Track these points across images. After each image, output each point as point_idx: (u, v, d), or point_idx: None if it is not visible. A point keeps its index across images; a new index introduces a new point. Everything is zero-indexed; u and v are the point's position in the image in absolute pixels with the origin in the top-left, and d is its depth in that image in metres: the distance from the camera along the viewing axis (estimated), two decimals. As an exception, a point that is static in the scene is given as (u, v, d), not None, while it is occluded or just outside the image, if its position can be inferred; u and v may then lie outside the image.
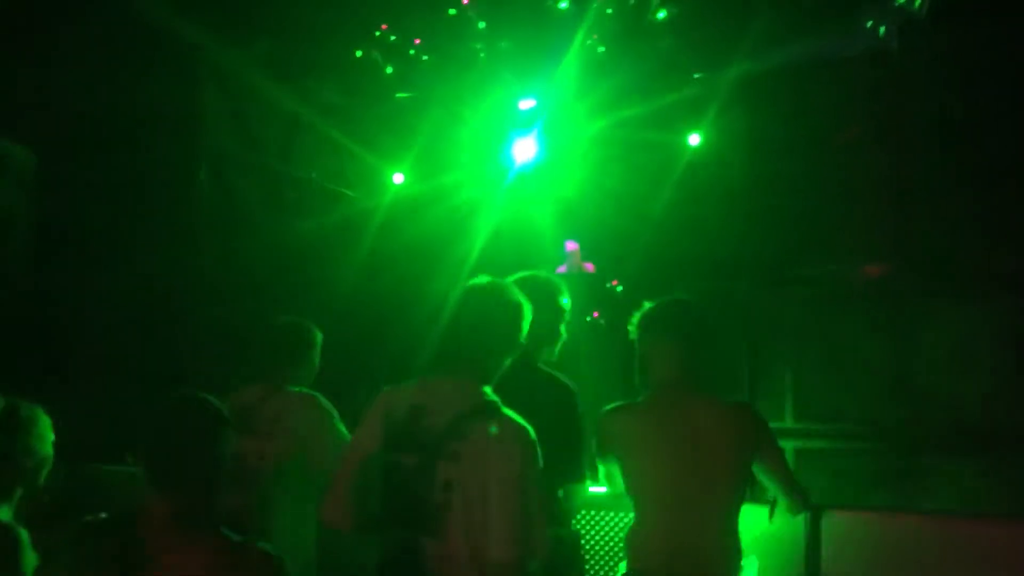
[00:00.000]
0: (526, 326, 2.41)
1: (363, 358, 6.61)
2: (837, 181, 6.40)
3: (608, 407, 2.77)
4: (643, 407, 2.73)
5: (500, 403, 2.24)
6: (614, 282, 7.12)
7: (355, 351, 6.53)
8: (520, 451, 2.15)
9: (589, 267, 7.43)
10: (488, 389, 2.28)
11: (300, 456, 3.16)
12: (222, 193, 6.33)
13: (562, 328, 2.93)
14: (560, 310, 2.93)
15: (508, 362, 2.38)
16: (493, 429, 2.15)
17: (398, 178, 7.91)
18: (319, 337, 3.50)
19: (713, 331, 2.81)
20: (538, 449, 2.15)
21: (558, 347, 2.94)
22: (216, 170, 6.33)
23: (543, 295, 2.83)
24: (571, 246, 7.40)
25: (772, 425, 2.83)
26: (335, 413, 3.26)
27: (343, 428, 3.17)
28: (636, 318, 2.83)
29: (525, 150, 7.51)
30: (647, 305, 2.83)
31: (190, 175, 6.17)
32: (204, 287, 5.84)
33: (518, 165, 7.55)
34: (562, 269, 7.39)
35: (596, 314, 6.63)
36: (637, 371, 2.80)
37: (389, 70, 6.38)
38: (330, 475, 2.39)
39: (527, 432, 2.17)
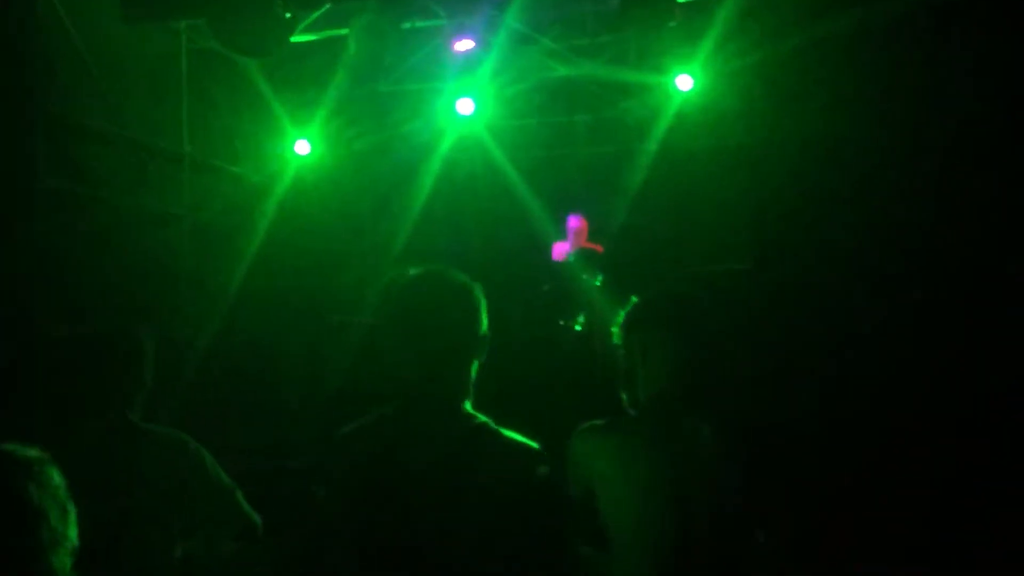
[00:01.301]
0: (486, 319, 2.35)
1: (254, 380, 6.74)
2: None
3: (582, 427, 2.74)
4: (629, 428, 2.73)
5: (494, 424, 2.24)
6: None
7: (242, 371, 6.69)
8: (539, 487, 2.16)
9: (597, 249, 7.72)
10: (469, 405, 2.28)
11: (168, 518, 2.92)
12: (65, 170, 6.30)
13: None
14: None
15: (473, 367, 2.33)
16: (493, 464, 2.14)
17: (301, 147, 8.08)
18: (150, 347, 3.14)
19: (721, 329, 2.84)
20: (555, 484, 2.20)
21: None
22: (57, 141, 6.31)
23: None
24: (575, 222, 7.68)
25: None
26: (208, 457, 3.03)
27: (224, 476, 3.01)
28: (620, 316, 2.84)
29: (466, 105, 7.79)
30: (634, 300, 2.86)
31: (20, 146, 6.10)
32: (41, 292, 5.87)
33: (459, 119, 7.83)
34: (561, 250, 7.70)
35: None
36: (623, 384, 2.82)
37: (288, 15, 6.43)
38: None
39: (540, 457, 2.19)
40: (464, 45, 7.06)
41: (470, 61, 7.36)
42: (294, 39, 6.63)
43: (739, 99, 7.13)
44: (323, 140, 8.08)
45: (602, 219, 7.83)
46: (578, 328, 7.40)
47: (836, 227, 6.85)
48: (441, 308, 2.23)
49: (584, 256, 7.75)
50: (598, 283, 7.50)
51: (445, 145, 8.42)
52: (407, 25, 6.76)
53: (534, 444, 2.24)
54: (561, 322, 7.40)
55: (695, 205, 7.32)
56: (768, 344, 6.46)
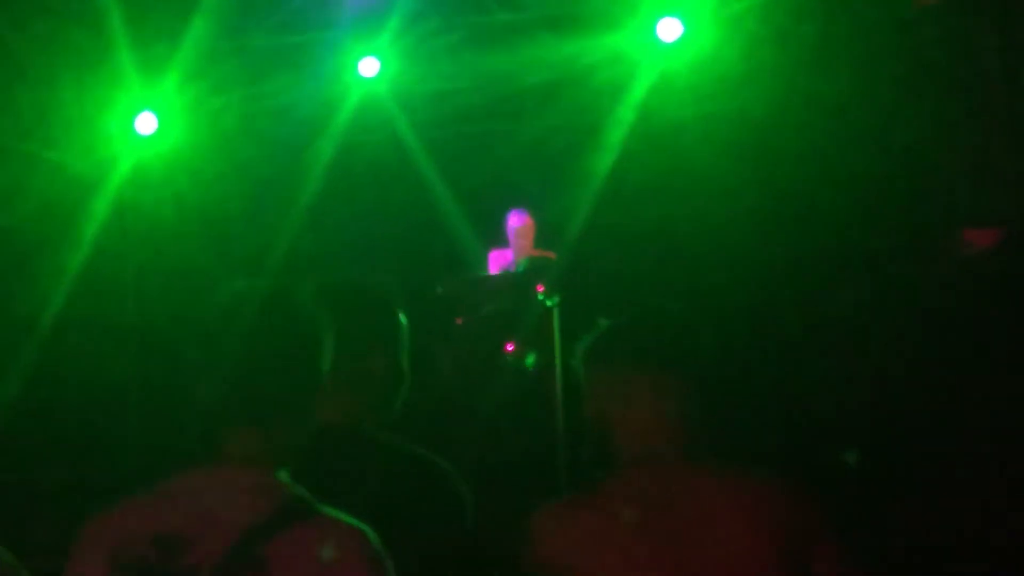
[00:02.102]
0: (328, 354, 2.38)
1: (70, 451, 6.64)
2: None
3: (541, 509, 2.72)
4: (604, 499, 2.65)
5: (312, 499, 2.24)
6: (539, 287, 7.10)
7: (55, 438, 6.67)
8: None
9: (549, 257, 7.70)
10: (286, 475, 2.28)
11: None
12: None
13: (404, 363, 2.92)
14: (401, 335, 2.94)
15: (309, 425, 2.38)
16: (324, 551, 2.13)
17: (145, 123, 7.79)
18: None
19: (724, 359, 2.82)
20: (389, 567, 2.19)
21: (399, 398, 2.92)
22: None
23: (375, 311, 2.88)
24: (517, 220, 7.70)
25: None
26: None
27: None
28: (583, 344, 2.83)
29: (370, 65, 7.77)
30: (603, 324, 2.85)
31: None
32: None
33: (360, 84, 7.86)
34: (500, 259, 7.72)
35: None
36: (588, 436, 2.82)
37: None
38: None
39: (368, 542, 2.20)
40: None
41: (374, 3, 7.41)
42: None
43: (742, 53, 6.95)
44: (176, 114, 7.83)
45: (557, 216, 7.75)
46: (529, 365, 7.31)
47: (868, 221, 6.79)
48: (271, 335, 2.31)
49: (535, 267, 7.59)
50: (552, 303, 7.19)
51: (341, 120, 8.30)
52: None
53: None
54: (507, 358, 7.32)
55: (683, 194, 7.21)
56: (787, 374, 6.48)
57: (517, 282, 7.55)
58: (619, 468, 2.70)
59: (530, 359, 7.28)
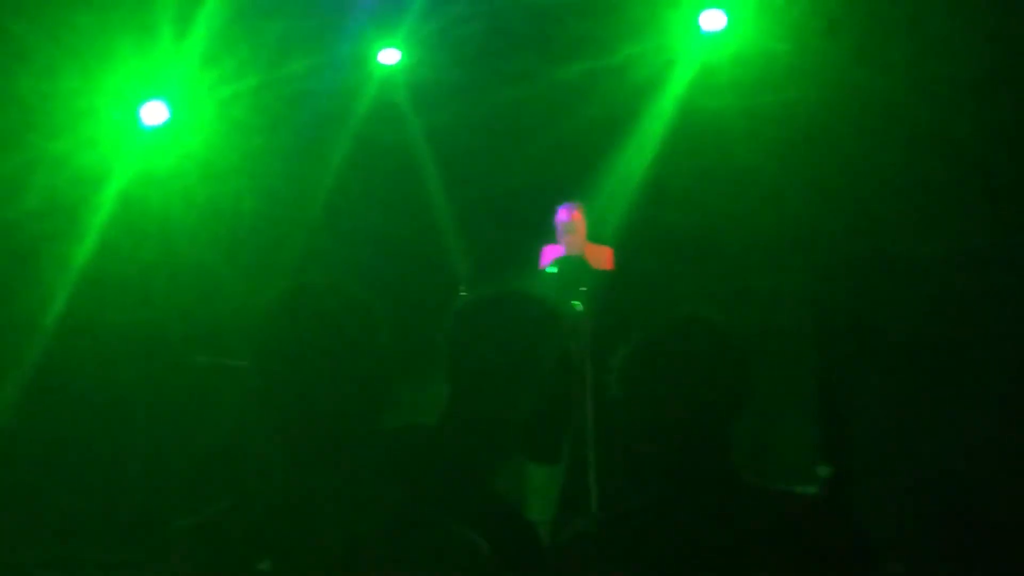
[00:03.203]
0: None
1: (79, 449, 6.70)
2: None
3: (568, 531, 2.72)
4: (638, 529, 2.63)
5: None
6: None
7: (63, 439, 6.72)
8: None
9: (605, 253, 7.44)
10: None
11: None
12: None
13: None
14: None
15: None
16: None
17: (154, 113, 7.66)
18: None
19: (746, 368, 2.71)
20: None
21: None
22: None
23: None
24: (566, 214, 7.45)
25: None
26: None
27: None
28: (619, 360, 2.72)
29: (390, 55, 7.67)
30: (637, 336, 2.74)
31: None
32: None
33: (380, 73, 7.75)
34: (553, 255, 7.53)
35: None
36: (623, 460, 3.02)
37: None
38: None
39: None
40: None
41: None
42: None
43: (791, 43, 6.82)
44: (186, 104, 7.71)
45: (599, 213, 7.60)
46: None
47: (923, 226, 6.61)
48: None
49: (570, 267, 7.32)
50: (577, 305, 7.10)
51: (360, 112, 8.19)
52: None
53: None
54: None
55: (726, 191, 6.97)
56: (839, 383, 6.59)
57: (545, 284, 7.34)
58: (656, 494, 2.65)
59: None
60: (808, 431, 6.65)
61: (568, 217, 7.36)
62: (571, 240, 7.37)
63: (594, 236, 7.58)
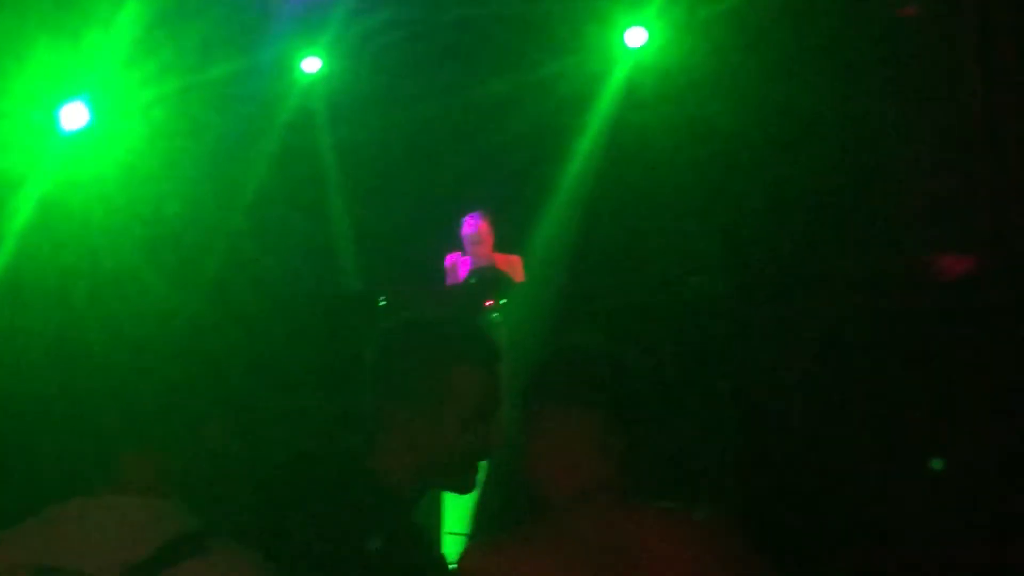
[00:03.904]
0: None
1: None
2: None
3: (472, 547, 2.80)
4: (541, 540, 2.68)
5: (209, 529, 2.19)
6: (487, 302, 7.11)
7: None
8: None
9: (513, 263, 7.47)
10: (182, 503, 2.23)
11: None
12: None
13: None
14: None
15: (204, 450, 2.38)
16: None
17: (73, 116, 7.53)
18: None
19: (663, 388, 3.02)
20: None
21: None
22: None
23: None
24: (472, 225, 7.45)
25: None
26: None
27: None
28: (521, 382, 2.82)
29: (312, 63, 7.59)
30: (540, 355, 2.88)
31: None
32: None
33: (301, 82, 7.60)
34: (456, 264, 7.53)
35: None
36: (522, 475, 2.80)
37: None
38: None
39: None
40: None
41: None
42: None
43: (712, 60, 6.91)
44: (106, 107, 7.58)
45: (521, 224, 7.70)
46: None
47: (842, 231, 6.78)
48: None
49: (485, 278, 7.32)
50: (496, 317, 7.16)
51: (282, 118, 8.16)
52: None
53: None
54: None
55: (650, 203, 7.14)
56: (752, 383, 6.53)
57: (466, 294, 7.35)
58: (554, 509, 2.68)
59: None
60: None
61: (475, 228, 7.36)
62: (478, 251, 7.37)
63: (512, 246, 7.60)
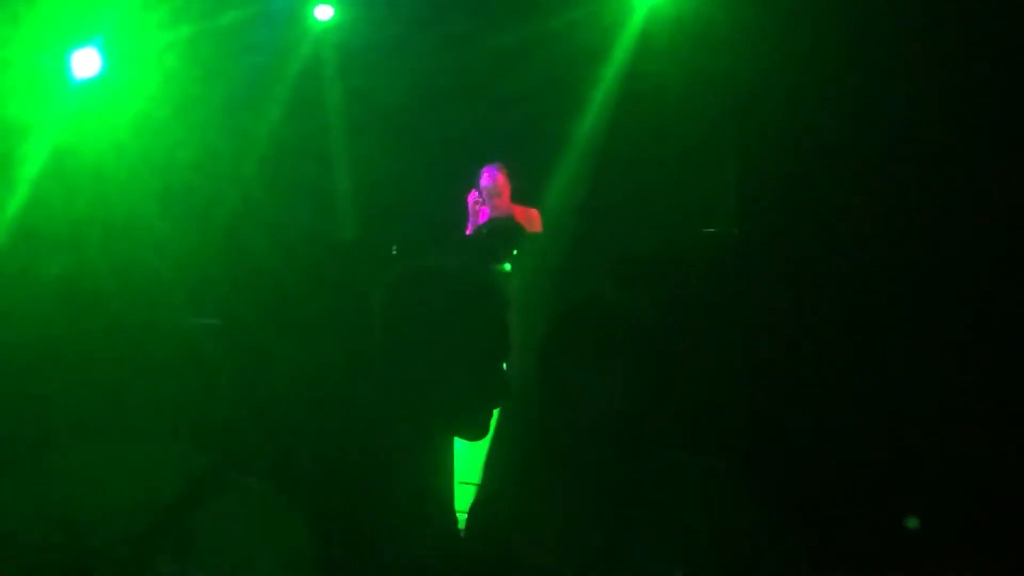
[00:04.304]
0: None
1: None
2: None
3: (482, 498, 2.89)
4: (551, 490, 2.76)
5: (228, 469, 2.19)
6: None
7: None
8: None
9: (532, 216, 7.45)
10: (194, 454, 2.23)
11: None
12: None
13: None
14: None
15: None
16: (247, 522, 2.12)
17: (85, 63, 7.49)
18: None
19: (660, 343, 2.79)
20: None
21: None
22: None
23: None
24: (490, 177, 7.43)
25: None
26: None
27: None
28: (537, 334, 2.86)
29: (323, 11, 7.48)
30: (556, 306, 2.98)
31: None
32: None
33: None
34: (478, 205, 7.53)
35: None
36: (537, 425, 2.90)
37: None
38: None
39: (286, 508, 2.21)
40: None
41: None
42: None
43: (729, 11, 6.83)
44: (119, 52, 7.53)
45: (537, 177, 7.66)
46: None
47: (853, 194, 6.52)
48: None
49: (500, 230, 7.32)
50: (506, 267, 7.19)
51: (295, 66, 8.12)
52: None
53: None
54: None
55: (663, 157, 7.04)
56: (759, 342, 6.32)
57: (478, 244, 7.35)
58: (562, 459, 2.73)
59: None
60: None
61: (491, 180, 7.37)
62: (496, 203, 7.39)
63: (526, 198, 7.59)
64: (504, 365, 2.99)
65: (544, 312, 2.80)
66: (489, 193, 7.39)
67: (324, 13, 7.83)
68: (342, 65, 8.13)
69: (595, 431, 2.64)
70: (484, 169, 7.43)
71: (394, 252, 7.32)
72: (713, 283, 6.35)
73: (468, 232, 7.66)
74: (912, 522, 3.82)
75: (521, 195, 7.60)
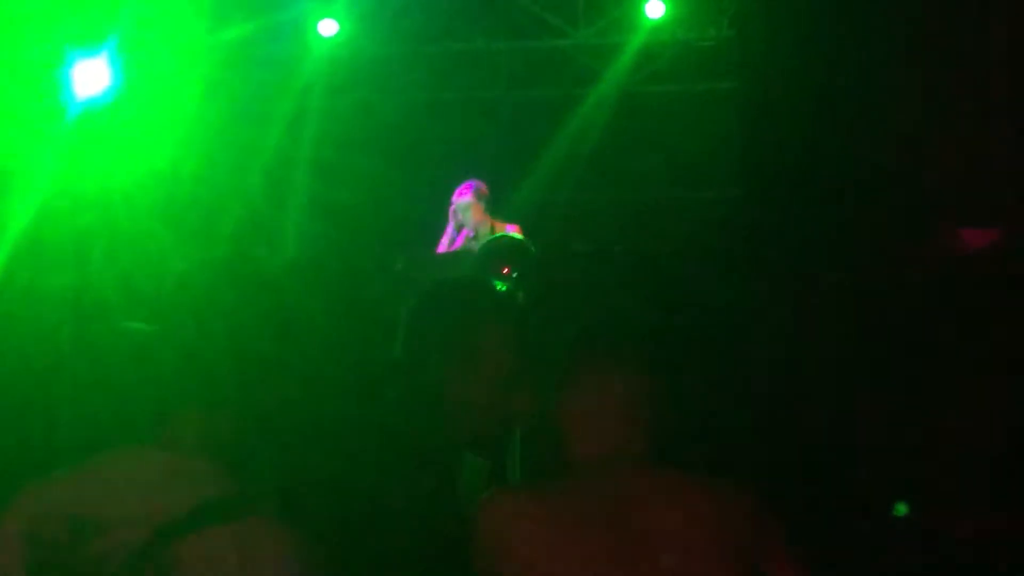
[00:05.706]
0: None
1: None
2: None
3: (492, 494, 2.71)
4: (559, 495, 2.64)
5: (256, 497, 2.22)
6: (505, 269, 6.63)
7: None
8: None
9: (510, 228, 7.34)
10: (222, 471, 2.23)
11: None
12: None
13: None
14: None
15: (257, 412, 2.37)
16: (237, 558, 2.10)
17: (96, 76, 7.44)
18: None
19: (692, 362, 2.91)
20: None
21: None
22: None
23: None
24: (456, 196, 7.31)
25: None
26: None
27: None
28: (558, 339, 2.76)
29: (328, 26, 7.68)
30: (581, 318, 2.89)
31: None
32: None
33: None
34: (457, 240, 7.46)
35: None
36: (549, 432, 2.73)
37: None
38: None
39: (293, 549, 2.19)
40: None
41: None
42: None
43: (730, 33, 6.99)
44: (124, 66, 7.52)
45: (529, 194, 7.57)
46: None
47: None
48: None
49: (497, 249, 6.98)
50: (502, 288, 6.90)
51: (300, 79, 8.12)
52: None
53: None
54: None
55: (665, 175, 7.17)
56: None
57: (481, 261, 6.94)
58: (578, 467, 2.66)
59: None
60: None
61: (459, 196, 7.26)
62: (471, 219, 7.28)
63: (528, 214, 7.53)
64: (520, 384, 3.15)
65: (560, 330, 2.76)
66: (458, 208, 7.29)
67: (328, 28, 7.86)
68: (346, 79, 8.16)
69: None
70: (459, 187, 7.33)
71: (398, 267, 7.28)
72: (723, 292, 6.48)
73: (440, 250, 7.58)
74: (901, 508, 3.79)
75: (524, 210, 7.54)
